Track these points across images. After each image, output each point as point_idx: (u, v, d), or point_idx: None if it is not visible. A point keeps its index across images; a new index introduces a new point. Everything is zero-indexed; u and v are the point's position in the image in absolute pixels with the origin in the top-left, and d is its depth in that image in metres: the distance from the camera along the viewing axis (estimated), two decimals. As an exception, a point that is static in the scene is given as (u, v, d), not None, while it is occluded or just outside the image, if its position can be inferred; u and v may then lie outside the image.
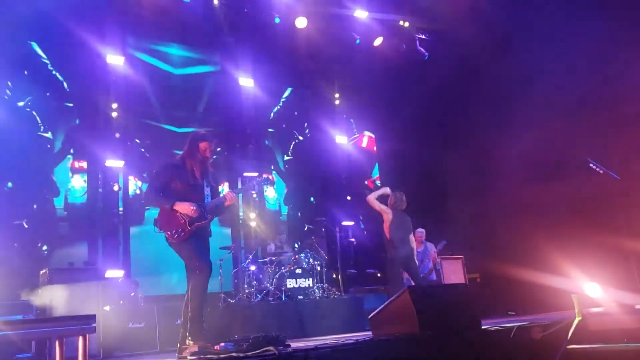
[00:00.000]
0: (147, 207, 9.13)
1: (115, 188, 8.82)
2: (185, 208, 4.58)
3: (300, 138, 11.86)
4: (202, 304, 4.58)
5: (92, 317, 3.60)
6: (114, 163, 8.83)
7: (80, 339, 3.58)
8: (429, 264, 8.34)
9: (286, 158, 11.50)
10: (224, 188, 4.92)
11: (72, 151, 8.90)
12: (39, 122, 8.68)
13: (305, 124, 11.88)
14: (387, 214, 6.90)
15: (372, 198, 6.91)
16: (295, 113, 11.70)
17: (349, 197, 11.62)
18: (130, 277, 8.26)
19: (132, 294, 7.29)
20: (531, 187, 8.41)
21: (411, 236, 7.02)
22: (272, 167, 11.25)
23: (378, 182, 12.15)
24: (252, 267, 8.25)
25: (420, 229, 8.49)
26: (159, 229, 4.67)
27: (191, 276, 4.62)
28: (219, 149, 10.03)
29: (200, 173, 4.79)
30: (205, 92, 10.48)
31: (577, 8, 7.97)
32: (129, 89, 9.23)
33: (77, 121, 9.02)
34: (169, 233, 4.61)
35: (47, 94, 8.78)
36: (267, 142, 11.30)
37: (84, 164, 8.93)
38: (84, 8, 8.59)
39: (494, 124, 9.45)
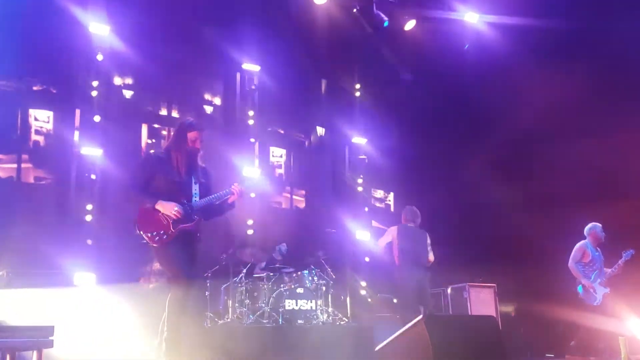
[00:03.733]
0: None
1: (93, 177, 8.88)
2: (168, 208, 4.60)
3: (312, 138, 11.90)
4: (180, 323, 4.58)
5: (49, 329, 3.61)
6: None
7: (35, 353, 3.59)
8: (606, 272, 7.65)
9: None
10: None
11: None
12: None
13: (317, 122, 11.91)
14: (388, 231, 6.96)
15: (381, 244, 6.99)
16: (305, 106, 11.74)
17: (366, 209, 11.59)
18: (103, 284, 8.29)
19: (104, 305, 7.26)
20: (588, 207, 8.38)
21: (431, 255, 7.02)
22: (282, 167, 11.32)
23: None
24: (246, 283, 8.24)
25: (595, 225, 7.89)
26: (137, 230, 4.68)
27: (169, 288, 4.63)
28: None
29: (186, 168, 4.80)
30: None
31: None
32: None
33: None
34: (148, 235, 4.63)
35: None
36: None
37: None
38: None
39: (545, 135, 9.43)
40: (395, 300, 10.36)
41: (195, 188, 4.83)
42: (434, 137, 11.33)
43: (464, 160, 10.74)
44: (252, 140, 10.69)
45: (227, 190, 4.82)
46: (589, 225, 7.78)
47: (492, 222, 9.87)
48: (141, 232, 4.65)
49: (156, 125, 10.43)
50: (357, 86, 11.91)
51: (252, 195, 10.08)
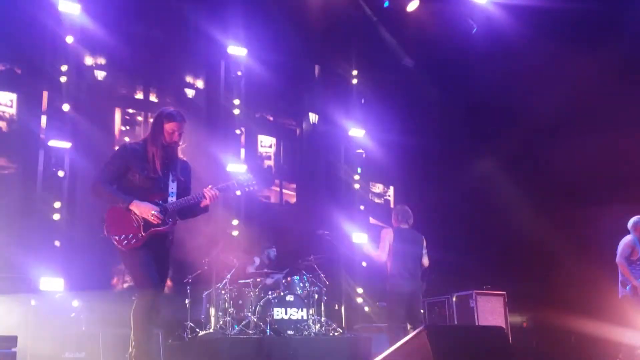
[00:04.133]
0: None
1: (60, 174, 8.86)
2: (144, 210, 4.58)
3: (304, 125, 11.90)
4: (148, 337, 4.57)
5: (12, 340, 3.62)
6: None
7: (-4, 366, 3.60)
8: None
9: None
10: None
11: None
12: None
13: (310, 109, 11.91)
14: (383, 236, 6.94)
15: (384, 253, 6.95)
16: (296, 92, 11.74)
17: (362, 207, 11.61)
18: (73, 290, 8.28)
19: (73, 315, 7.27)
20: (610, 206, 8.44)
21: (425, 260, 7.03)
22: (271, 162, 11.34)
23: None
24: (230, 290, 8.25)
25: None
26: (105, 232, 4.66)
27: (135, 296, 4.64)
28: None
29: (162, 163, 4.76)
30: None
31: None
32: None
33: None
34: (116, 238, 4.61)
35: None
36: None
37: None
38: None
39: (563, 127, 9.47)
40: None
41: (172, 186, 4.79)
42: (438, 129, 11.38)
43: (472, 154, 10.79)
44: (238, 132, 10.67)
45: (199, 193, 4.79)
46: (634, 219, 7.52)
47: (502, 222, 9.91)
48: (109, 235, 4.64)
49: (131, 110, 10.39)
50: (354, 72, 11.91)
51: (238, 192, 10.09)
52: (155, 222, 4.60)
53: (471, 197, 10.64)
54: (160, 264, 4.71)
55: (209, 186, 4.81)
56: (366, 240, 11.05)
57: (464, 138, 11.05)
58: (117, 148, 4.99)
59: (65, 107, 8.87)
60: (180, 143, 4.86)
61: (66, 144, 8.85)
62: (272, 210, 11.34)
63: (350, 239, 10.92)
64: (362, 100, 12.10)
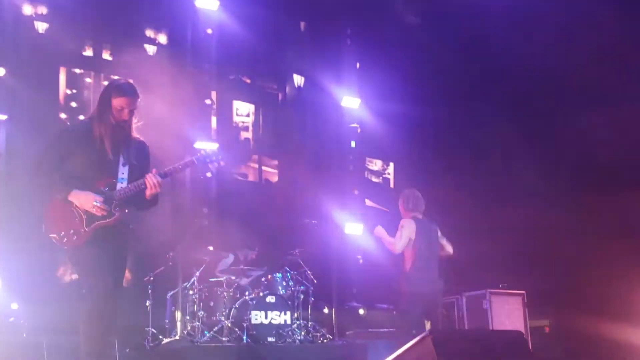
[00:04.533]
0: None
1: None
2: (85, 200, 4.56)
3: (287, 89, 11.89)
4: (98, 344, 4.56)
5: None
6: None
7: None
8: None
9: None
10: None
11: None
12: None
13: (294, 70, 11.87)
14: (406, 225, 6.96)
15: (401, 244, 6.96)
16: (278, 51, 11.69)
17: (356, 191, 11.63)
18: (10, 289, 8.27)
19: (11, 319, 7.27)
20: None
21: (449, 247, 7.10)
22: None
23: None
24: (199, 290, 8.26)
25: None
26: (44, 229, 4.66)
27: (85, 299, 4.59)
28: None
29: (112, 143, 4.73)
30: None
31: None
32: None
33: None
34: (55, 236, 4.61)
35: None
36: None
37: None
38: None
39: (593, 97, 9.49)
40: (394, 312, 10.48)
41: (123, 171, 4.76)
42: (448, 98, 11.37)
43: (487, 129, 10.80)
44: (209, 101, 10.64)
45: (141, 181, 4.70)
46: None
47: (522, 209, 9.95)
48: (47, 233, 4.63)
49: (78, 70, 10.32)
50: (348, 32, 11.88)
51: (209, 174, 10.08)
52: (99, 214, 4.58)
53: (485, 180, 10.67)
54: (114, 263, 4.68)
55: (153, 170, 4.74)
56: (361, 231, 11.09)
57: (477, 109, 11.05)
58: (58, 129, 4.92)
59: (1, 72, 8.82)
60: (135, 121, 4.82)
61: (1, 117, 8.82)
62: (249, 191, 11.34)
63: (342, 230, 10.95)
64: (357, 65, 12.09)
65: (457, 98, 11.30)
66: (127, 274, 6.93)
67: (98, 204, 4.55)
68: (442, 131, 11.58)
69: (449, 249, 7.19)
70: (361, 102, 11.64)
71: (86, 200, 4.55)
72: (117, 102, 4.67)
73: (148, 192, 4.71)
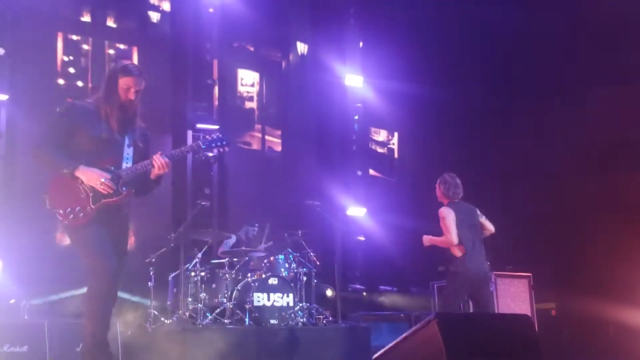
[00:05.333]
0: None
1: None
2: (92, 177, 4.55)
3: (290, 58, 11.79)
4: (101, 326, 4.57)
5: None
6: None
7: None
8: None
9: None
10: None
11: None
12: None
13: (298, 37, 11.77)
14: (446, 216, 6.91)
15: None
16: (281, 18, 11.61)
17: (359, 172, 11.58)
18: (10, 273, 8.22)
19: (12, 301, 7.26)
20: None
21: (490, 225, 7.09)
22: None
23: None
24: (201, 272, 8.22)
25: None
26: (48, 204, 4.62)
27: (87, 281, 4.60)
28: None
29: (118, 124, 4.74)
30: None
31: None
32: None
33: None
34: (61, 212, 4.58)
35: None
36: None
37: None
38: None
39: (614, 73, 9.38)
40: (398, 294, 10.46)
41: (129, 152, 4.79)
42: (456, 78, 11.26)
43: (497, 108, 10.70)
44: (210, 81, 10.56)
45: (147, 161, 4.73)
46: None
47: (528, 190, 9.90)
48: (53, 209, 4.61)
49: (75, 37, 10.17)
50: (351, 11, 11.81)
51: (212, 159, 10.06)
52: (106, 192, 4.57)
53: (492, 159, 10.59)
54: (116, 242, 4.71)
55: (159, 152, 4.77)
56: (363, 214, 11.05)
57: (488, 89, 10.96)
58: (64, 106, 4.90)
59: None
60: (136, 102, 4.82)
61: (2, 96, 8.79)
62: (253, 160, 11.30)
63: (344, 211, 10.93)
64: (360, 44, 12.01)
65: (466, 80, 11.19)
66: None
67: (106, 181, 4.54)
68: (449, 112, 11.47)
69: (490, 226, 7.15)
70: (364, 79, 11.57)
71: (94, 177, 4.54)
72: (123, 81, 4.69)
73: (155, 172, 4.75)
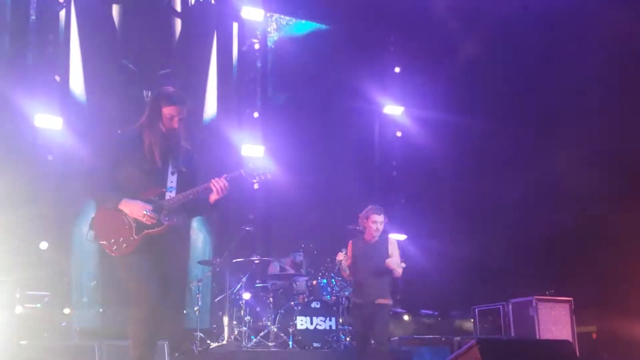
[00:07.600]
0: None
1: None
2: (135, 209, 4.57)
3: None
4: (147, 351, 4.59)
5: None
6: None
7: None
8: None
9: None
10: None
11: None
12: None
13: (335, 81, 11.88)
14: None
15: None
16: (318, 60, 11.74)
17: (403, 201, 11.59)
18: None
19: (63, 324, 7.37)
20: None
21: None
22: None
23: None
24: (246, 295, 8.29)
25: None
26: (93, 236, 4.68)
27: (130, 306, 4.61)
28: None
29: (161, 152, 4.72)
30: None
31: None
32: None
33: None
34: (105, 243, 4.63)
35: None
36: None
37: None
38: None
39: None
40: (439, 318, 10.38)
41: (172, 180, 4.76)
42: (487, 101, 11.21)
43: (538, 141, 10.58)
44: (256, 115, 10.74)
45: (204, 185, 4.69)
46: None
47: (567, 212, 9.77)
48: (97, 239, 4.65)
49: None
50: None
51: (256, 186, 10.13)
52: (149, 223, 4.58)
53: (532, 182, 10.47)
54: (163, 272, 4.69)
55: (217, 178, 4.70)
56: (404, 238, 11.02)
57: (528, 120, 10.85)
58: (110, 137, 4.95)
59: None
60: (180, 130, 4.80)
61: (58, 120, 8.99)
62: (294, 190, 11.35)
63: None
64: (397, 69, 12.05)
65: (501, 110, 11.13)
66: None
67: (148, 213, 4.55)
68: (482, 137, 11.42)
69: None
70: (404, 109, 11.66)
71: (136, 209, 4.56)
72: (167, 110, 4.69)
73: (213, 197, 4.71)
